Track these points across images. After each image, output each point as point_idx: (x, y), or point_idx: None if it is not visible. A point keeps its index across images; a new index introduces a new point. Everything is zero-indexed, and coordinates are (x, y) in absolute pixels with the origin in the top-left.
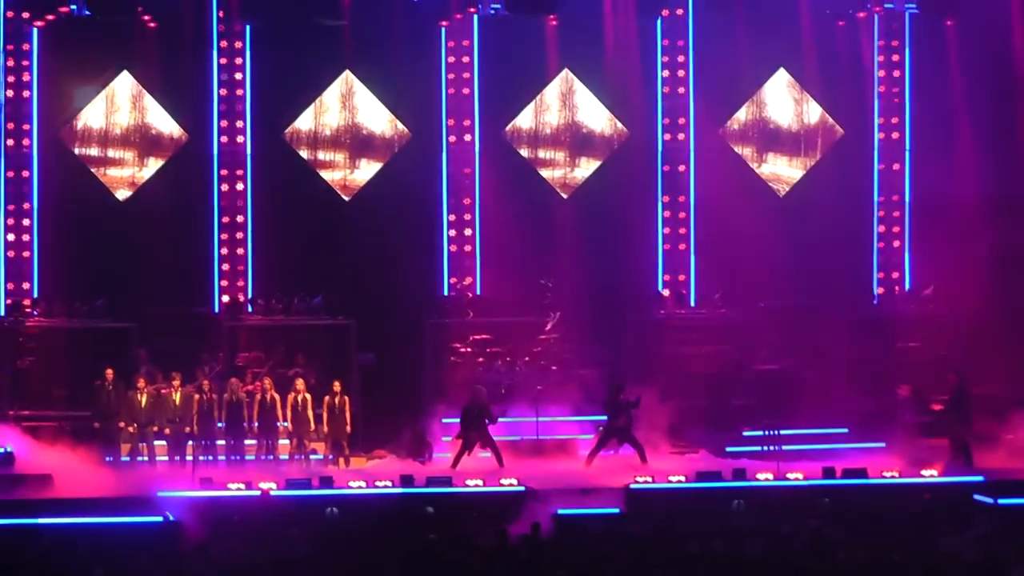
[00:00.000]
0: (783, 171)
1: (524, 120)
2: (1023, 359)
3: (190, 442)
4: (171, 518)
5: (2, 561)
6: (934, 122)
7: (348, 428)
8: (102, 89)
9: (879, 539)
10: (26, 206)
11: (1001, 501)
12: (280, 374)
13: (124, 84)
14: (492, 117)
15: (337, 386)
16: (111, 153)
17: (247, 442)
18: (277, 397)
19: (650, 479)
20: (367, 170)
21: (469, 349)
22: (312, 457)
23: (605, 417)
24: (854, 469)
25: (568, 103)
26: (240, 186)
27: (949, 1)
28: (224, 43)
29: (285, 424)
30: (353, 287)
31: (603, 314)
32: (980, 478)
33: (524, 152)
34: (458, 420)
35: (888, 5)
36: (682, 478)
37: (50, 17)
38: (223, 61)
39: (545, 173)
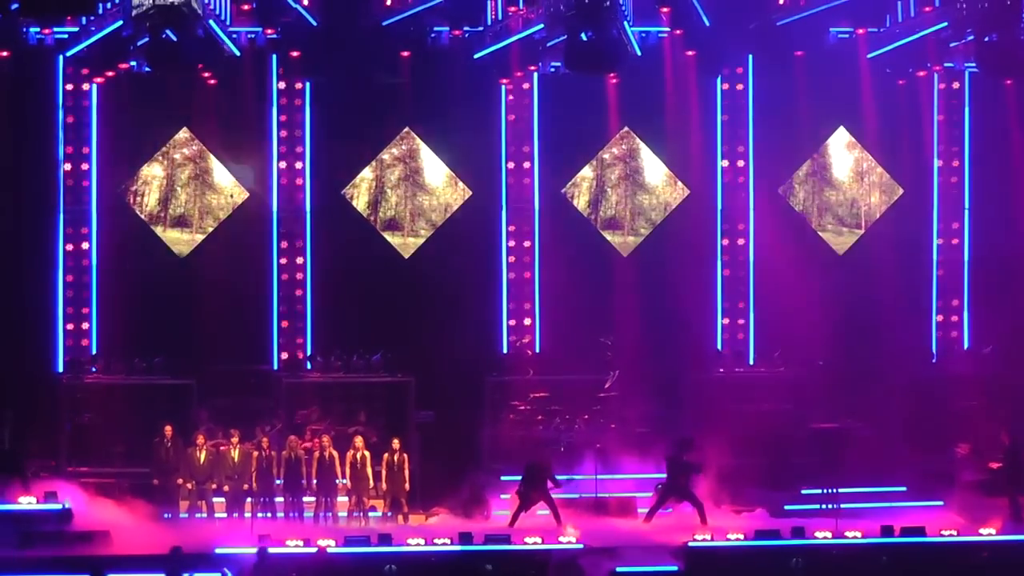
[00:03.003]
0: (842, 229)
1: (584, 178)
2: None
3: (248, 499)
4: (229, 575)
5: None
6: (994, 181)
7: (407, 485)
8: (162, 146)
9: None
10: (85, 263)
11: None
12: (339, 431)
13: (184, 141)
14: (552, 175)
15: (396, 443)
16: (171, 210)
17: (305, 499)
18: (336, 454)
19: (708, 537)
20: (426, 228)
21: (528, 407)
22: (371, 514)
23: (664, 475)
24: (912, 527)
25: (628, 161)
26: (299, 243)
27: (1009, 61)
28: (284, 100)
29: (344, 481)
30: (412, 344)
31: (662, 372)
32: None
33: (584, 210)
34: (518, 478)
35: (948, 65)
36: (740, 536)
37: (110, 74)
38: (283, 118)
39: (604, 231)
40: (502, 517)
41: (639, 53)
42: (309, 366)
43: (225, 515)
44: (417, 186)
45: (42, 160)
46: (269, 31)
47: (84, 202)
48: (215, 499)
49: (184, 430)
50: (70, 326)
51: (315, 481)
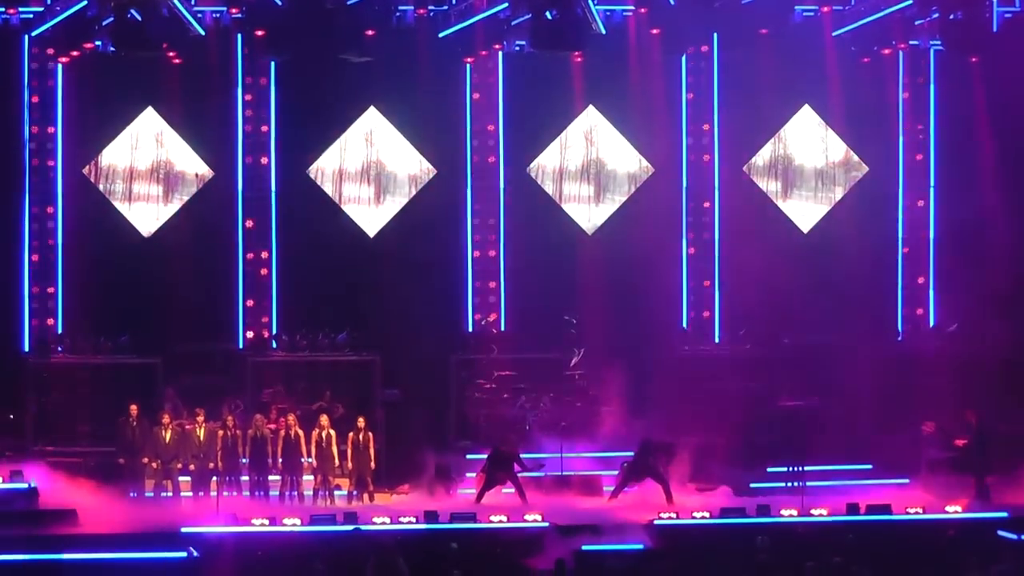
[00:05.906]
0: (807, 207)
1: (549, 157)
2: None
3: (214, 478)
4: (195, 554)
5: None
6: (959, 159)
7: (372, 464)
8: (127, 126)
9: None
10: (51, 242)
11: None
12: (305, 410)
13: (149, 121)
14: (517, 153)
15: (361, 422)
16: (136, 189)
17: (271, 478)
18: (301, 433)
19: (674, 515)
20: (391, 206)
21: (493, 385)
22: (336, 493)
23: (632, 453)
24: (878, 505)
25: (593, 139)
26: (265, 222)
27: (974, 38)
28: (249, 79)
29: (309, 460)
30: (378, 323)
31: (627, 350)
32: (1004, 514)
33: (549, 189)
34: (484, 456)
35: (913, 42)
36: (706, 514)
37: (75, 53)
38: (248, 97)
39: (570, 209)
40: (468, 496)
41: (604, 31)
42: (275, 345)
43: (191, 494)
44: (382, 165)
45: (7, 140)
46: (234, 10)
47: (49, 181)
48: (181, 478)
49: (150, 409)
50: (35, 305)
51: (280, 460)
